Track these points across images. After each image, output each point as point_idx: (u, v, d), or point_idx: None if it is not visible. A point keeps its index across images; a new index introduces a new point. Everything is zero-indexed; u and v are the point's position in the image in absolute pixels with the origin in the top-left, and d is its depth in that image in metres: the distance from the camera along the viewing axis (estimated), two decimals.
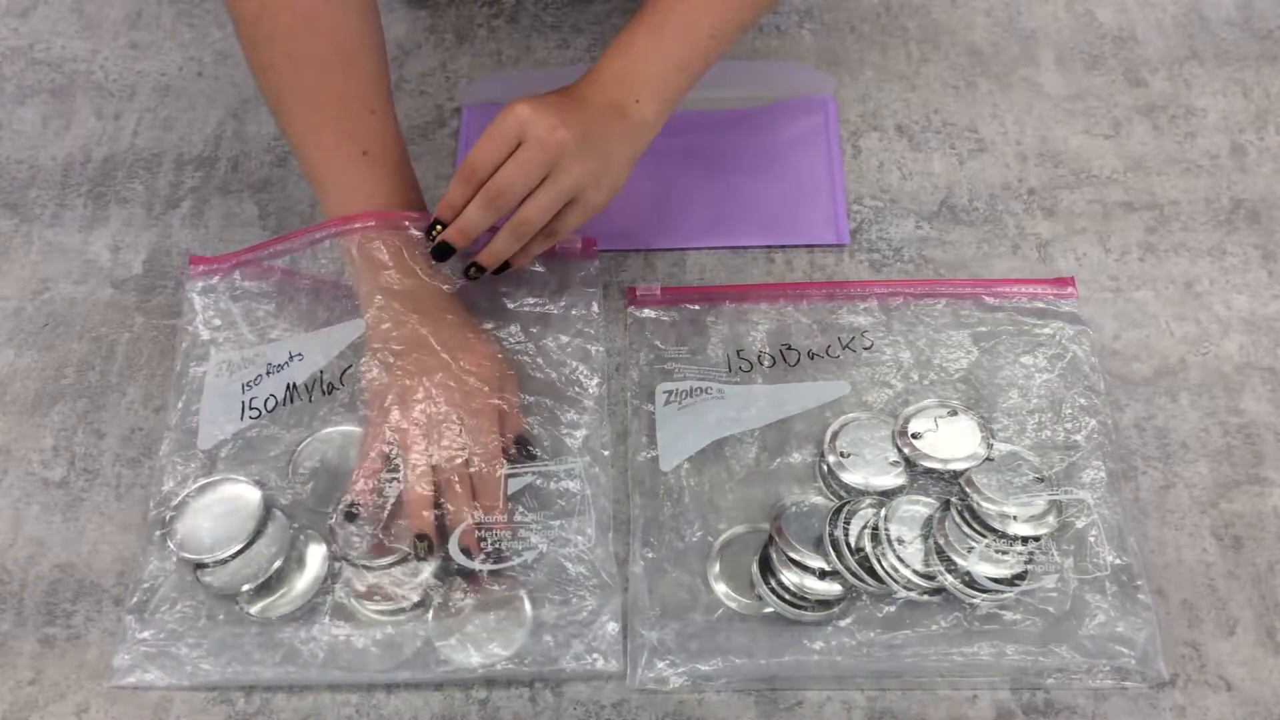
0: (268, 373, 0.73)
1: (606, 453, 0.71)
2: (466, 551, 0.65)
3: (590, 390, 0.73)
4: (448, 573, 0.66)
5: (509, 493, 0.68)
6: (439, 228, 0.68)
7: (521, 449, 0.68)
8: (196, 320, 0.76)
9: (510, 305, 0.76)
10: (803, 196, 0.83)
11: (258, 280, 0.77)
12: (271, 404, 0.72)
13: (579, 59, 0.92)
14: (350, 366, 0.72)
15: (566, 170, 0.65)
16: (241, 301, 0.76)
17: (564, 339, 0.74)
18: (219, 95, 0.91)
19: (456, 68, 0.92)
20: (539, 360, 0.74)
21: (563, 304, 0.76)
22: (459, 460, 0.66)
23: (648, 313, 0.77)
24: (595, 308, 0.76)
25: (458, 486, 0.66)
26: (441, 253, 0.69)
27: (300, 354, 0.73)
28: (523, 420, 0.70)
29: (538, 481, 0.69)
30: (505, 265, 0.70)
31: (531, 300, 0.76)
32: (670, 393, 0.73)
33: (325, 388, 0.72)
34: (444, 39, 0.94)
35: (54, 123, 0.90)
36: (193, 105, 0.91)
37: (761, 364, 0.75)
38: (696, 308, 0.77)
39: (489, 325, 0.74)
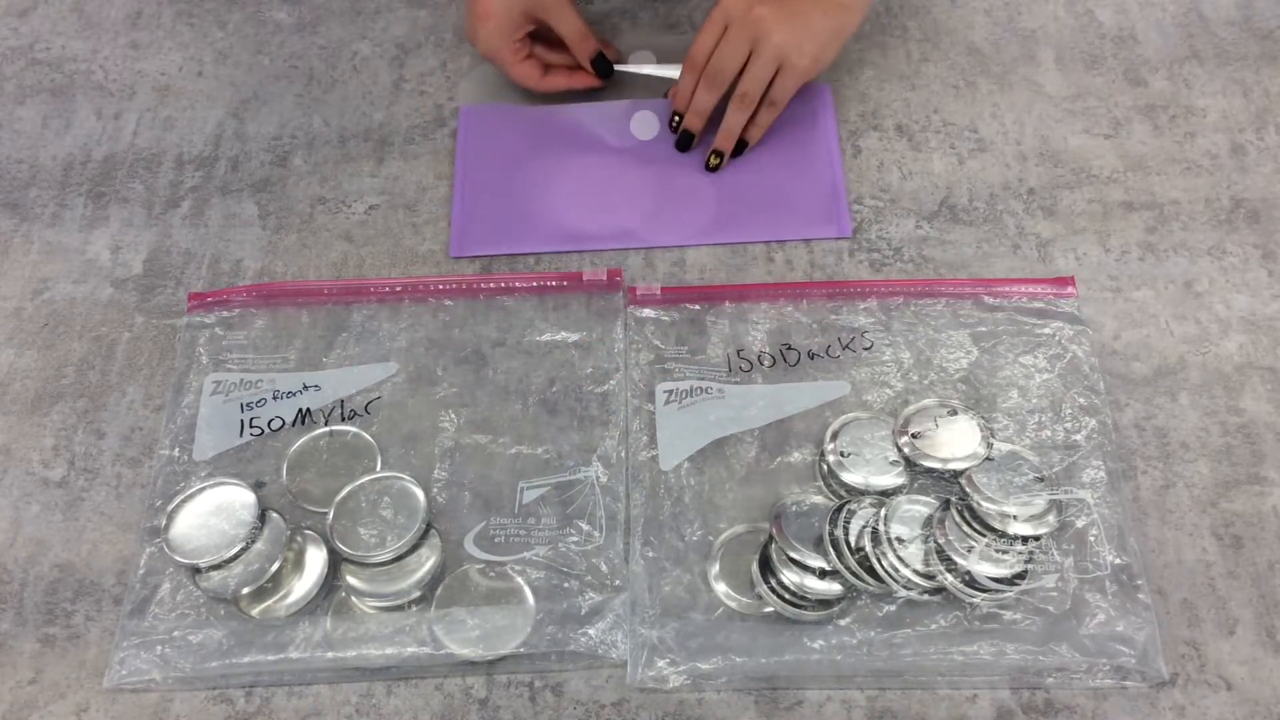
0: (274, 397, 0.74)
1: (612, 455, 0.71)
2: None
3: (608, 407, 0.73)
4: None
5: (525, 502, 0.69)
6: (678, 119, 0.82)
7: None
8: (197, 347, 0.76)
9: (539, 337, 0.76)
10: (802, 188, 0.83)
11: (263, 310, 0.78)
12: (278, 424, 0.73)
13: None
14: (379, 397, 0.73)
15: (767, 40, 0.76)
16: (240, 331, 0.77)
17: (588, 369, 0.75)
18: (219, 95, 0.91)
19: (456, 68, 0.92)
20: (567, 388, 0.74)
21: (586, 334, 0.76)
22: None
23: (648, 312, 0.77)
24: (619, 336, 0.76)
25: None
26: (685, 143, 0.82)
27: (317, 385, 0.74)
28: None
29: (552, 492, 0.70)
30: (742, 146, 0.82)
31: (559, 331, 0.77)
32: (670, 392, 0.73)
33: (347, 414, 0.73)
34: (444, 39, 0.94)
35: (54, 123, 0.90)
36: (193, 105, 0.91)
37: (761, 364, 0.75)
38: (696, 307, 0.77)
39: (508, 347, 0.76)
